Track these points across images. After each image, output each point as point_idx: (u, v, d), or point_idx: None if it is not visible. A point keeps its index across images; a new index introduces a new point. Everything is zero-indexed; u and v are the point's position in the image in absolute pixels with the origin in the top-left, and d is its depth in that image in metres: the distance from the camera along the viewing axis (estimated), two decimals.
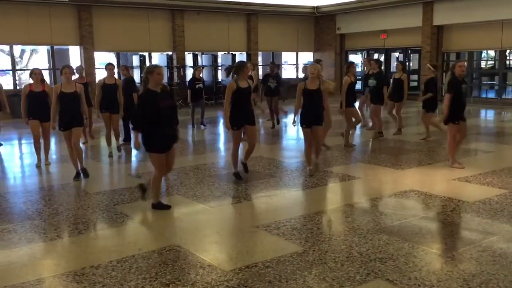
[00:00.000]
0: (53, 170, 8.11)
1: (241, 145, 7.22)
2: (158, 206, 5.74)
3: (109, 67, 9.20)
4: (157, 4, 18.46)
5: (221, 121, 13.99)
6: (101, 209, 5.86)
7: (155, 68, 5.54)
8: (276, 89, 12.51)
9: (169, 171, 6.08)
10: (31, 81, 8.08)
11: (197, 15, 19.71)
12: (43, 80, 8.14)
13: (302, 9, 22.05)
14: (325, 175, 7.41)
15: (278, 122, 12.73)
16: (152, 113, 5.39)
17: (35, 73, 8.08)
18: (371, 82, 10.59)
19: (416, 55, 20.63)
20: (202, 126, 12.58)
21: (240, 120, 6.92)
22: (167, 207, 5.79)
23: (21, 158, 9.62)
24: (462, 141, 7.94)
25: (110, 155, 9.03)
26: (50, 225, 5.33)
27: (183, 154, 9.43)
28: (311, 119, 7.19)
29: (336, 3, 21.06)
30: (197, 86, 12.41)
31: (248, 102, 7.02)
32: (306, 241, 4.69)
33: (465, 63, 8.56)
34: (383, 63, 21.72)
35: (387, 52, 21.47)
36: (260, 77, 16.27)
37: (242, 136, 7.20)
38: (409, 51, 21.27)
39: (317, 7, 22.08)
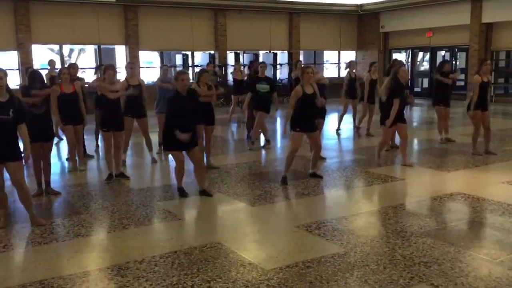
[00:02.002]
0: (98, 167, 8.34)
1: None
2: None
3: (130, 65, 8.32)
4: (200, 3, 18.68)
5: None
6: (145, 205, 5.99)
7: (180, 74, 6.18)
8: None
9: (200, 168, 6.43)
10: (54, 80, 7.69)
11: (239, 14, 19.82)
12: (73, 80, 7.64)
13: (345, 7, 21.77)
14: (367, 176, 7.29)
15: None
16: (177, 114, 6.04)
17: (64, 73, 7.46)
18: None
19: (464, 54, 19.99)
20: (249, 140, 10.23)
21: (303, 125, 6.72)
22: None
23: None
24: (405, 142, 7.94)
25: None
26: (96, 219, 5.49)
27: (224, 153, 9.50)
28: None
29: (380, 0, 20.68)
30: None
31: (313, 109, 6.78)
32: (348, 242, 4.63)
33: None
34: (428, 62, 21.34)
35: (433, 51, 20.91)
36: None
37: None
38: (456, 50, 20.63)
39: (361, 5, 21.75)
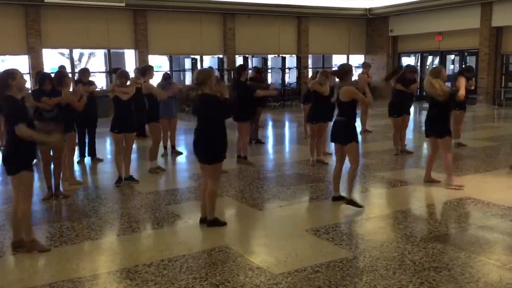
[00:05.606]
0: (107, 170, 8.38)
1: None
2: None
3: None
4: (209, 8, 18.75)
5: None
6: (154, 208, 6.01)
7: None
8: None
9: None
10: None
11: (247, 18, 19.86)
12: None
13: (353, 11, 21.74)
14: (376, 180, 7.27)
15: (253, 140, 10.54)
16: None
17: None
18: None
19: (473, 58, 19.88)
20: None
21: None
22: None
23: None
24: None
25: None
26: (105, 222, 5.51)
27: (232, 157, 9.48)
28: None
29: (389, 4, 20.62)
30: None
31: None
32: (357, 247, 4.61)
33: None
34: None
35: (442, 55, 20.82)
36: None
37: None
38: (466, 54, 20.52)
39: (369, 9, 21.71)
